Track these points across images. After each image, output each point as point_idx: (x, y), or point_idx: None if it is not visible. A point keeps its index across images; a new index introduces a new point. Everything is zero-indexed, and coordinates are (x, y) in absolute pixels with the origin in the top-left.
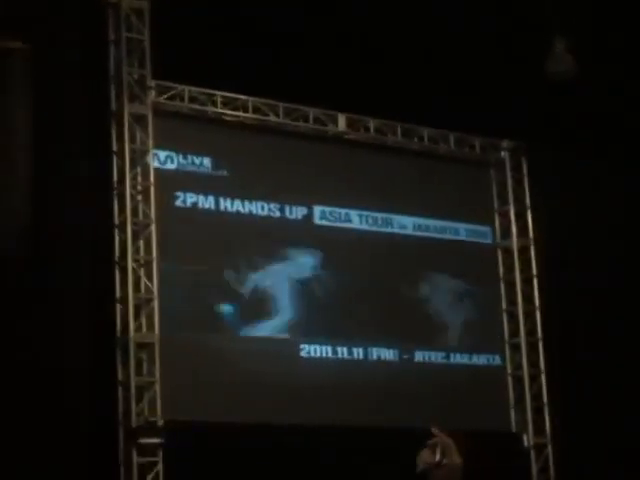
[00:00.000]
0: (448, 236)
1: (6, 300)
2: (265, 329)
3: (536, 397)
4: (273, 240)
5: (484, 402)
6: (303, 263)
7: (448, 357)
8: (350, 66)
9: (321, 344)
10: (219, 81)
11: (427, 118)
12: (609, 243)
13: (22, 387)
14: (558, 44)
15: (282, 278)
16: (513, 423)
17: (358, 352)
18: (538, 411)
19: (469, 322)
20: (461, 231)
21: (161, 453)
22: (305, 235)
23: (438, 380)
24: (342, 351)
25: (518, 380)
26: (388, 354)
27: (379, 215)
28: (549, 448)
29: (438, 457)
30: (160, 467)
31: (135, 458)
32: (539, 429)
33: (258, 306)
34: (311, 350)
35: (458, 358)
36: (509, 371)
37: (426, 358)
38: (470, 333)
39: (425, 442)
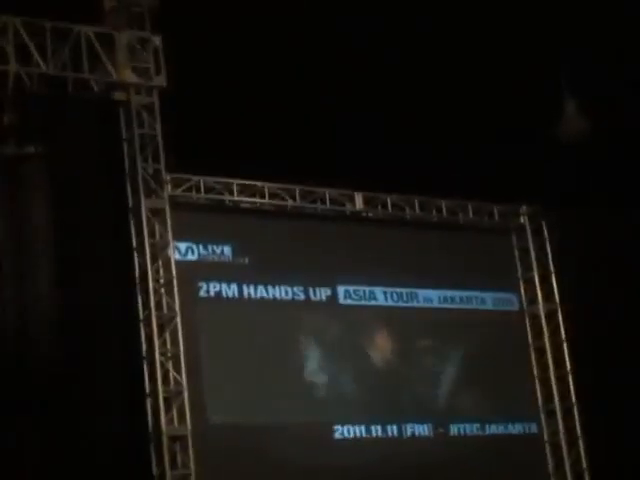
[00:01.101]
0: (475, 306)
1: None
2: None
3: (575, 464)
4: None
5: (522, 471)
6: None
7: (483, 428)
8: (363, 145)
9: (354, 424)
10: (233, 169)
11: (443, 189)
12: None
13: None
14: (569, 106)
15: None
16: None
17: (392, 430)
18: (579, 477)
19: (501, 391)
20: (487, 300)
21: None
22: (331, 316)
23: (474, 452)
24: (376, 430)
25: (556, 447)
26: (422, 429)
27: (404, 290)
28: None
29: None
30: None
31: None
32: None
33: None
34: (344, 431)
35: (493, 428)
36: (546, 438)
37: (461, 431)
38: (503, 402)
39: None
